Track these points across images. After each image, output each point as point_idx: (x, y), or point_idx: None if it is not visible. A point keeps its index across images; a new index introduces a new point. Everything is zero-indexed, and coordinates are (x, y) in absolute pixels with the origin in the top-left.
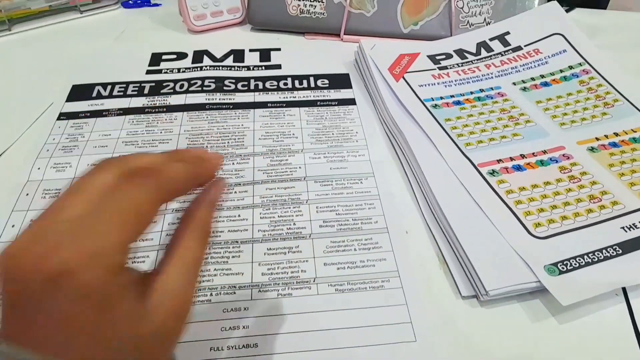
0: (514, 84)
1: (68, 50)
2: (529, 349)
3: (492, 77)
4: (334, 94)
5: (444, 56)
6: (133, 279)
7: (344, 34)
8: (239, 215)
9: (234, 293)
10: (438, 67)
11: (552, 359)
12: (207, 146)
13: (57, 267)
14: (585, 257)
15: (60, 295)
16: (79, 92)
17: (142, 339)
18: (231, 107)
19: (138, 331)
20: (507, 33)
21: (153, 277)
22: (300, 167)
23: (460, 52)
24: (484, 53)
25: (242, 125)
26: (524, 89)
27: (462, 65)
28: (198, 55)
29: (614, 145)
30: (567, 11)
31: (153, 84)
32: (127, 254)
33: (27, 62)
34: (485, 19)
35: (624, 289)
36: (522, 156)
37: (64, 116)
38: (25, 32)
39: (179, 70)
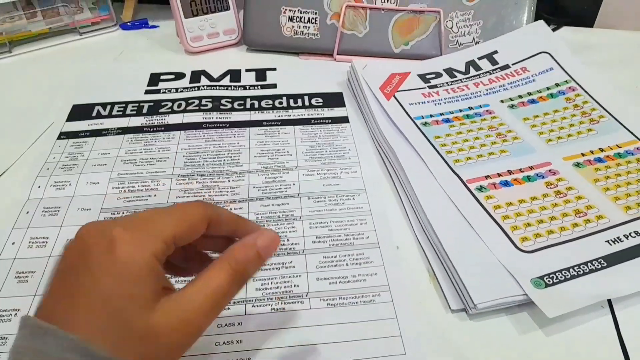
0: (502, 101)
1: (68, 71)
2: None
3: (480, 95)
4: (328, 112)
5: (433, 75)
6: (161, 275)
7: (337, 54)
8: None
9: (228, 309)
10: (428, 86)
11: None
12: (203, 164)
13: (111, 235)
14: (571, 270)
15: (106, 259)
16: (79, 111)
17: (147, 333)
18: (227, 125)
19: (147, 322)
20: (495, 52)
21: (174, 290)
22: (294, 184)
23: (450, 71)
24: (472, 72)
25: (238, 143)
26: (512, 106)
27: (451, 84)
28: (195, 75)
29: (599, 160)
30: (554, 30)
31: (152, 104)
32: (171, 248)
33: (27, 82)
34: (474, 39)
35: (609, 301)
36: (510, 172)
37: (64, 135)
38: (26, 53)
39: (177, 90)
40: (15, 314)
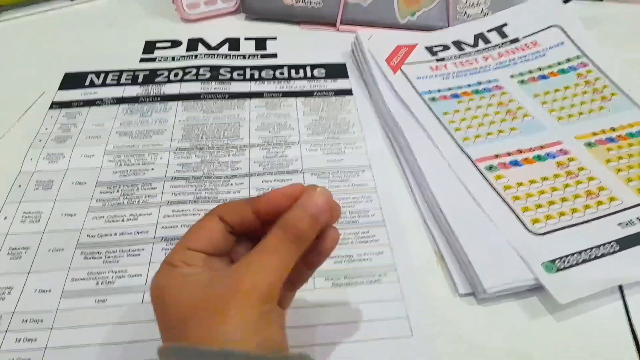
0: (512, 76)
1: (59, 38)
2: (526, 347)
3: (489, 70)
4: (331, 84)
5: (441, 48)
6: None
7: (340, 24)
8: None
9: None
10: (436, 59)
11: (549, 356)
12: (202, 137)
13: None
14: (583, 253)
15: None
16: (72, 80)
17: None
18: (227, 96)
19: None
20: (505, 25)
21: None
22: (296, 160)
23: (458, 44)
24: (481, 45)
25: (238, 115)
26: (522, 81)
27: (459, 57)
28: (193, 43)
29: (611, 140)
30: (565, 2)
31: (147, 72)
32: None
33: (16, 50)
34: (482, 10)
35: (620, 286)
36: (520, 151)
37: (56, 105)
38: (14, 19)
39: (173, 58)
40: (9, 292)
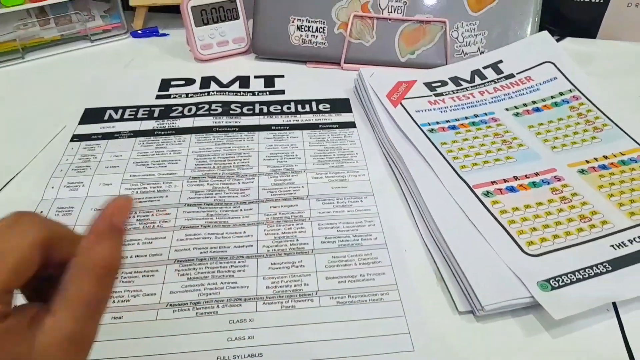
0: (507, 109)
1: (80, 77)
2: None
3: (485, 103)
4: (335, 118)
5: (439, 83)
6: (16, 323)
7: (344, 63)
8: (245, 232)
9: (240, 305)
10: (434, 94)
11: None
12: (213, 166)
13: None
14: (577, 273)
15: None
16: (91, 115)
17: None
18: (237, 129)
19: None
20: (500, 61)
21: (44, 316)
22: (303, 187)
23: (455, 80)
24: (477, 80)
25: (248, 146)
26: (517, 114)
27: (457, 92)
28: (205, 81)
29: (604, 167)
30: (557, 40)
31: (162, 108)
32: (5, 300)
33: (40, 87)
34: (479, 48)
35: (614, 305)
36: (515, 178)
37: (76, 138)
38: (38, 59)
39: (187, 95)
40: None
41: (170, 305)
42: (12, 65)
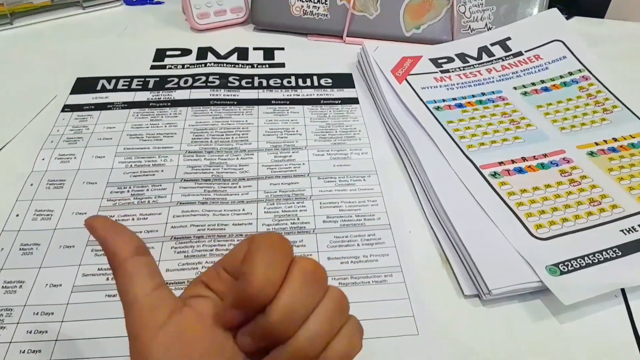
0: (515, 88)
1: (71, 45)
2: (529, 348)
3: (493, 82)
4: (337, 93)
5: (445, 60)
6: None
7: (347, 36)
8: (244, 210)
9: None
10: (440, 71)
11: (551, 358)
12: (211, 141)
13: None
14: (586, 258)
15: None
16: (83, 85)
17: None
18: (235, 103)
19: None
20: (508, 38)
21: None
22: (304, 164)
23: (462, 56)
24: (485, 58)
25: (246, 121)
26: (525, 93)
27: (463, 69)
28: (202, 52)
29: (613, 150)
30: (567, 18)
31: (157, 79)
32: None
33: (29, 56)
34: (486, 24)
35: (623, 291)
36: (524, 159)
37: (68, 108)
38: (27, 26)
39: (183, 66)
40: (21, 286)
41: (167, 283)
42: (0, 31)
